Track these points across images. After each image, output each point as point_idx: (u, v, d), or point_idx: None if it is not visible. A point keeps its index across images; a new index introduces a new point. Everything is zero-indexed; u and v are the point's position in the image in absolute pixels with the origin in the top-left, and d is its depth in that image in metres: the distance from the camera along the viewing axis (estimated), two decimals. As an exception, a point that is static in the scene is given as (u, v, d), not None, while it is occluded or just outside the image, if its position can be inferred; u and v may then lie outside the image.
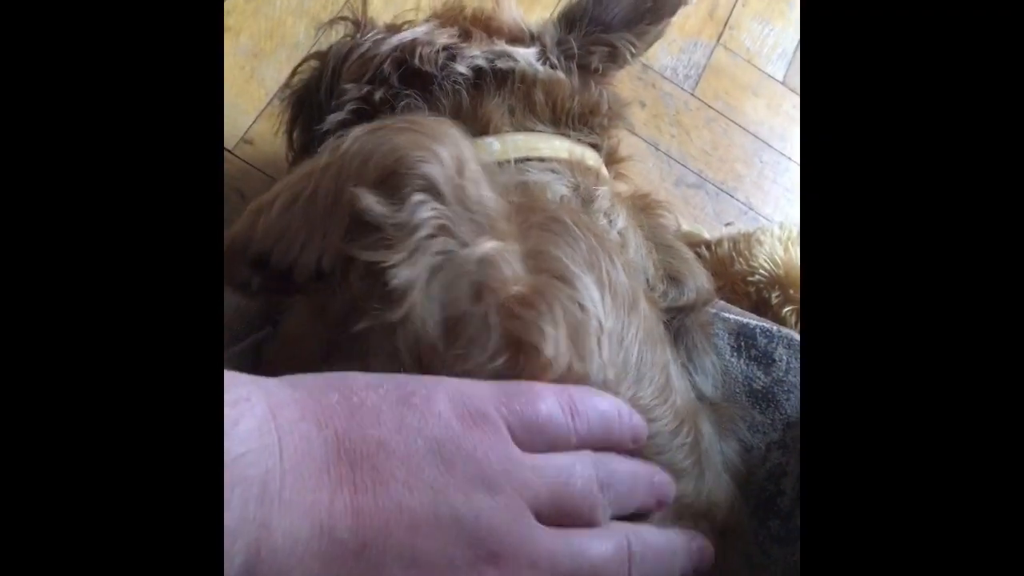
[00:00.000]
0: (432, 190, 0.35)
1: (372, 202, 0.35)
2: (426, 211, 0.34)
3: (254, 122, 0.73)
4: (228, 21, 0.76)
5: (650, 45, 0.57)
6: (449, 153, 0.36)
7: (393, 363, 0.33)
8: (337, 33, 0.58)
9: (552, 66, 0.53)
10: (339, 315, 0.37)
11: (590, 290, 0.36)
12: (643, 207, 0.50)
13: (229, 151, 0.71)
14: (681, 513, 0.37)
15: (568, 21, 0.55)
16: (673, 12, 0.56)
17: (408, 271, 0.33)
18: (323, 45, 0.59)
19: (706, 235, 0.73)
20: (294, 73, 0.60)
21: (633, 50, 0.55)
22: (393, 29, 0.56)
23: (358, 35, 0.56)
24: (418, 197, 0.35)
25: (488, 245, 0.34)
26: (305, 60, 0.60)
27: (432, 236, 0.34)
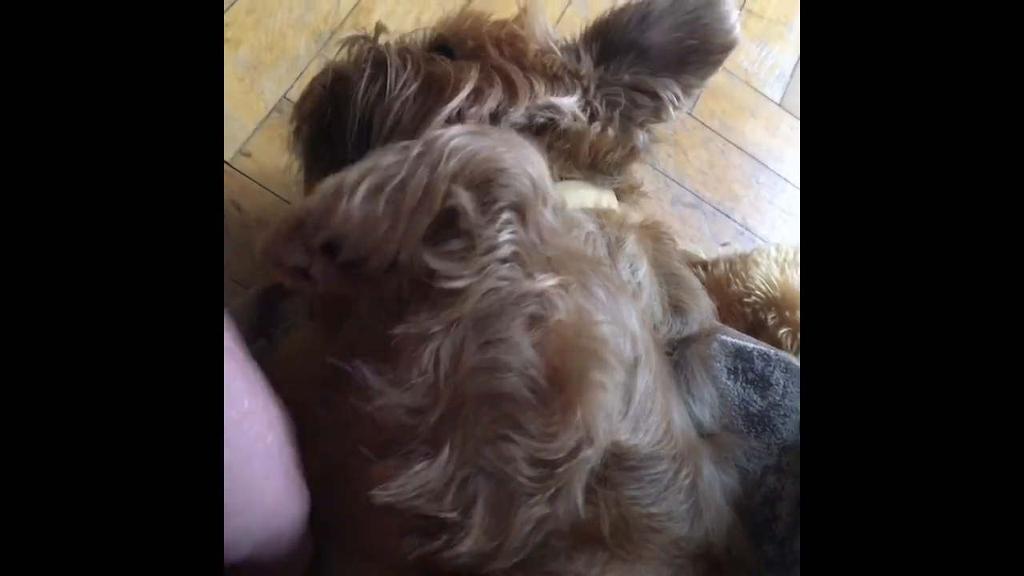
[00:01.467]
0: (520, 212, 0.35)
1: (469, 205, 0.34)
2: (508, 233, 0.35)
3: (252, 135, 0.73)
4: (228, 33, 0.75)
5: (691, 96, 0.55)
6: (538, 180, 0.37)
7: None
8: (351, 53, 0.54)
9: (594, 114, 0.51)
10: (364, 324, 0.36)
11: (619, 357, 0.36)
12: (653, 237, 0.50)
13: (227, 163, 0.71)
14: (677, 555, 0.37)
15: (605, 43, 0.53)
16: (722, 54, 0.54)
17: (466, 284, 0.34)
18: (326, 58, 0.57)
19: (702, 255, 0.73)
20: (304, 99, 0.55)
21: (677, 103, 0.53)
22: (419, 71, 0.50)
23: (384, 76, 0.50)
24: (507, 216, 0.35)
25: (551, 282, 0.35)
26: (314, 83, 0.55)
27: (504, 260, 0.34)
